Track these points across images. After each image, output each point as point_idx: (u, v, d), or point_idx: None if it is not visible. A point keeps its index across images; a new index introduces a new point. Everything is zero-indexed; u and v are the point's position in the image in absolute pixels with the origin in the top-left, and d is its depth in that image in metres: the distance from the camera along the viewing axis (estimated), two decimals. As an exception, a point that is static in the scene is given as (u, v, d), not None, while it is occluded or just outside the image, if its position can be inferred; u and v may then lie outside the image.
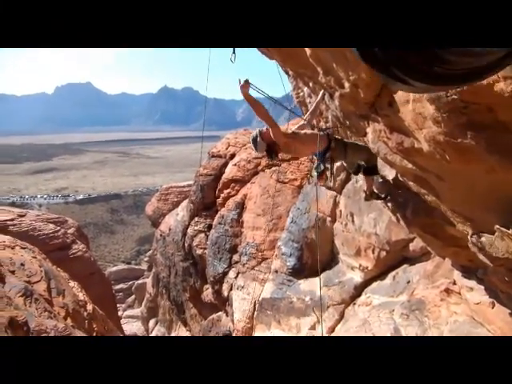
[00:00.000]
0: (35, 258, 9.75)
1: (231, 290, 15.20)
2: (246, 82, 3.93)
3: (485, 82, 1.61)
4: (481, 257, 4.20)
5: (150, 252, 37.55)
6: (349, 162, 5.34)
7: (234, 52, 4.13)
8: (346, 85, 3.45)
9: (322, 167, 4.85)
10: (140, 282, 37.18)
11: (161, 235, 25.55)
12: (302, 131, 4.76)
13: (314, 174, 5.08)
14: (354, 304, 9.05)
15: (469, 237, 4.12)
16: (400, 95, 2.77)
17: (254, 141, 4.41)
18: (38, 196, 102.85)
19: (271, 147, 4.39)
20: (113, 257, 63.09)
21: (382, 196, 5.71)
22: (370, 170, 5.38)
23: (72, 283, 10.84)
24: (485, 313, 5.26)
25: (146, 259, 46.56)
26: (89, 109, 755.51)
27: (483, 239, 3.90)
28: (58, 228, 20.43)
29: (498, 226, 3.41)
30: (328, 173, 4.92)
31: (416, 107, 2.55)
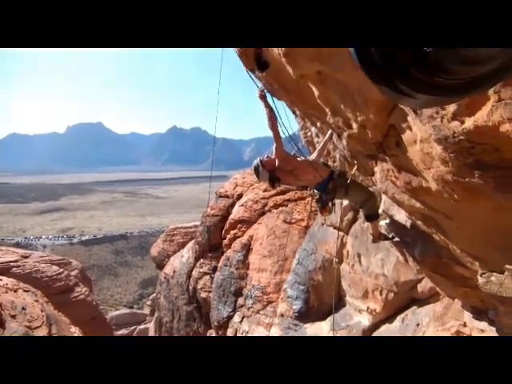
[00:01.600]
0: (37, 301, 9.67)
1: (236, 335, 14.83)
2: (263, 90, 4.30)
3: (490, 123, 1.71)
4: (491, 297, 4.17)
5: (153, 295, 36.88)
6: (350, 200, 5.40)
7: (257, 86, 4.43)
8: (354, 125, 3.59)
9: (324, 199, 4.88)
10: (142, 327, 36.25)
11: (165, 277, 25.23)
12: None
13: (317, 205, 5.09)
14: (364, 349, 8.80)
15: (478, 276, 4.11)
16: (408, 135, 2.89)
17: (256, 170, 4.49)
18: (43, 237, 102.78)
19: (273, 174, 4.46)
20: (115, 300, 61.92)
21: (390, 236, 5.71)
22: (371, 216, 5.44)
23: (73, 328, 10.69)
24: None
25: (148, 303, 45.63)
26: (99, 148, 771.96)
27: (493, 279, 3.89)
28: (62, 270, 20.30)
29: (507, 266, 3.42)
30: (330, 204, 4.95)
31: (424, 147, 2.66)
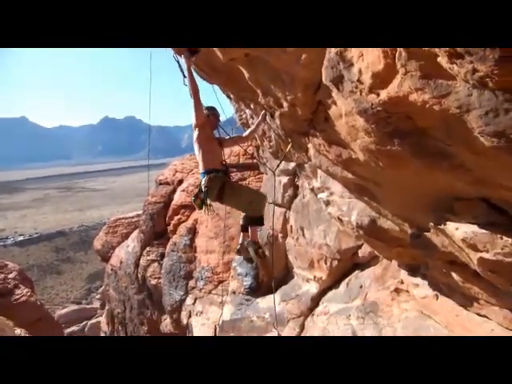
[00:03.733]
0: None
1: (190, 317, 14.91)
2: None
3: (400, 93, 1.86)
4: (421, 253, 4.56)
5: (102, 288, 35.74)
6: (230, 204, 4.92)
7: (184, 76, 4.31)
8: (285, 104, 3.69)
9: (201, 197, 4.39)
10: (93, 321, 35.14)
11: (112, 269, 24.54)
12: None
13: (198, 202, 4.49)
14: (313, 315, 9.24)
15: (408, 236, 4.46)
16: (334, 110, 3.03)
17: None
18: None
19: None
20: (61, 298, 59.05)
21: (260, 252, 4.91)
22: (256, 221, 4.84)
23: (18, 330, 10.18)
24: (431, 305, 5.66)
25: (97, 297, 44.15)
26: (25, 144, 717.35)
27: (422, 237, 4.26)
28: (-3, 273, 19.06)
29: (431, 224, 3.74)
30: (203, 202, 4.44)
31: (348, 120, 2.81)
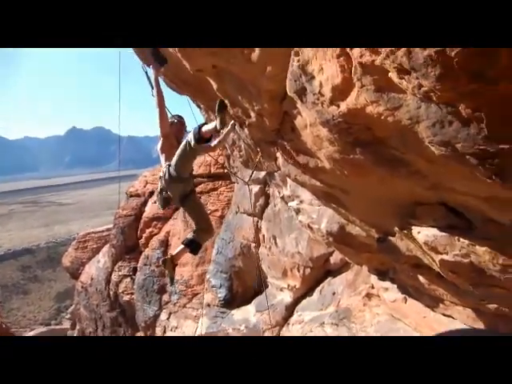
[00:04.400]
0: None
1: (165, 332, 14.65)
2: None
3: (358, 105, 1.97)
4: (388, 258, 4.72)
5: (72, 308, 34.57)
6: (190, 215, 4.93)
7: (152, 87, 4.33)
8: (252, 114, 3.78)
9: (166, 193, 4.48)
10: (63, 342, 33.99)
11: (82, 287, 23.82)
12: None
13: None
14: (288, 324, 9.29)
15: (375, 241, 4.61)
16: (299, 121, 3.14)
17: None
18: None
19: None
20: (28, 320, 56.45)
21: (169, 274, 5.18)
22: (196, 246, 4.90)
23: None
24: (400, 308, 5.84)
25: (67, 316, 42.64)
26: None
27: (388, 241, 4.41)
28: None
29: (396, 228, 3.90)
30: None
31: (313, 130, 2.91)
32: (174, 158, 4.03)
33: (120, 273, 18.63)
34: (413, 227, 3.52)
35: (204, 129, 3.77)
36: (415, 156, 2.15)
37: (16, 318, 56.05)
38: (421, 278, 4.62)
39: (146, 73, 4.63)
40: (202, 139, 3.79)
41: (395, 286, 5.94)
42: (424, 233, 3.33)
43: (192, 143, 3.76)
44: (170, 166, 4.11)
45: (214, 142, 4.15)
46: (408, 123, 1.77)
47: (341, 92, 2.02)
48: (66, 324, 40.96)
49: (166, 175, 4.16)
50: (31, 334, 39.40)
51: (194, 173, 4.60)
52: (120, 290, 18.34)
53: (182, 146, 3.93)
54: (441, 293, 4.61)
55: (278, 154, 4.52)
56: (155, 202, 17.99)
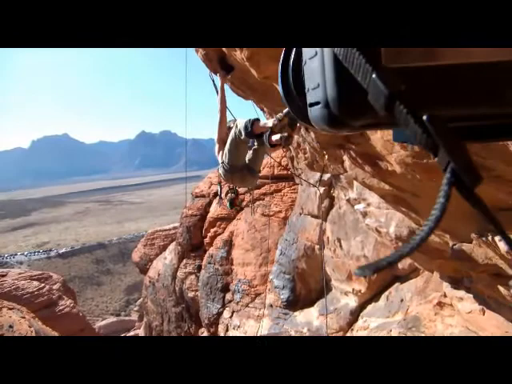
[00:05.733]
0: (24, 318, 9.53)
1: (227, 330, 14.98)
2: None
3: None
4: (464, 265, 4.44)
5: (140, 301, 36.48)
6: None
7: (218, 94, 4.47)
8: (320, 119, 3.73)
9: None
10: (131, 334, 35.88)
11: (150, 281, 25.09)
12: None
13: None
14: (352, 330, 9.09)
15: (449, 248, 4.36)
16: (369, 124, 3.06)
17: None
18: (18, 253, 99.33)
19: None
20: (101, 310, 60.67)
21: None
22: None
23: (62, 341, 10.54)
24: (477, 321, 5.44)
25: (135, 309, 45.05)
26: (67, 160, 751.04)
27: (463, 248, 4.15)
28: (43, 285, 19.86)
29: (474, 235, 3.66)
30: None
31: (384, 135, 2.83)
32: (225, 154, 4.06)
33: (185, 270, 19.36)
34: (493, 234, 3.29)
35: (260, 124, 3.65)
36: (498, 160, 2.01)
37: (90, 308, 60.29)
38: (501, 288, 4.30)
39: (213, 80, 4.77)
40: (253, 134, 3.70)
41: (471, 295, 5.55)
42: (506, 241, 3.10)
43: (242, 136, 3.72)
44: (223, 163, 4.14)
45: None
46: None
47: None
48: (134, 316, 43.32)
49: (222, 174, 4.21)
50: (103, 323, 42.18)
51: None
52: (185, 286, 19.04)
53: (230, 139, 3.94)
54: (525, 306, 4.27)
55: (345, 157, 4.45)
56: (219, 203, 18.48)
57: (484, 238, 3.43)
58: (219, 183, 4.91)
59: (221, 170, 4.24)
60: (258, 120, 3.72)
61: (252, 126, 3.66)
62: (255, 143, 3.94)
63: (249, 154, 4.14)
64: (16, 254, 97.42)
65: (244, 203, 15.97)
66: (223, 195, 4.88)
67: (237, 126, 3.81)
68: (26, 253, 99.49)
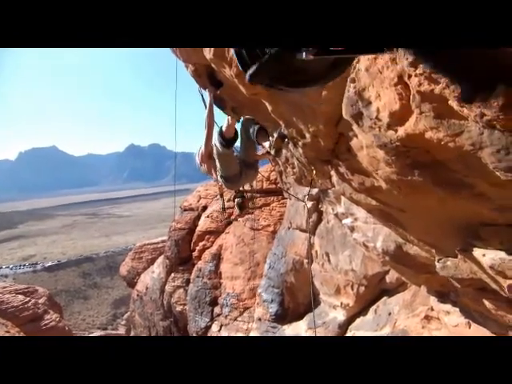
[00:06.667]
0: (8, 332, 9.37)
1: (216, 344, 14.84)
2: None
3: (417, 131, 1.96)
4: (449, 280, 4.50)
5: (127, 314, 35.96)
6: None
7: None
8: (307, 135, 3.82)
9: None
10: (118, 347, 35.19)
11: (138, 295, 24.79)
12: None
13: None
14: (340, 343, 9.09)
15: (436, 262, 4.43)
16: (355, 142, 3.14)
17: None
18: (3, 266, 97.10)
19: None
20: (87, 324, 59.48)
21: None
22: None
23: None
24: (463, 334, 5.50)
25: (123, 323, 44.28)
26: (55, 172, 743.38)
27: (448, 263, 4.23)
28: (28, 299, 19.48)
29: (458, 250, 3.73)
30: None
31: (369, 152, 2.90)
32: (218, 169, 4.24)
33: (173, 283, 19.22)
34: (477, 249, 3.36)
35: (224, 129, 3.91)
36: (479, 179, 2.09)
37: (76, 322, 59.01)
38: (487, 302, 4.37)
39: (202, 95, 4.85)
40: (227, 140, 3.94)
41: (457, 309, 5.63)
42: (489, 256, 3.17)
43: (220, 150, 3.95)
44: (222, 177, 4.30)
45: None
46: (470, 149, 1.73)
47: (399, 118, 2.02)
48: (122, 330, 42.54)
49: (225, 186, 4.42)
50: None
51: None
52: (173, 300, 18.89)
53: (216, 155, 4.13)
54: (510, 319, 4.32)
55: (333, 172, 4.52)
56: (208, 217, 18.40)
57: (468, 253, 3.50)
58: (221, 195, 5.06)
59: (223, 183, 4.41)
60: (221, 127, 3.98)
61: (221, 135, 3.90)
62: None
63: (240, 150, 4.35)
64: (1, 267, 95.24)
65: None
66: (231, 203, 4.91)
67: (215, 145, 4.03)
68: (11, 266, 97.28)
